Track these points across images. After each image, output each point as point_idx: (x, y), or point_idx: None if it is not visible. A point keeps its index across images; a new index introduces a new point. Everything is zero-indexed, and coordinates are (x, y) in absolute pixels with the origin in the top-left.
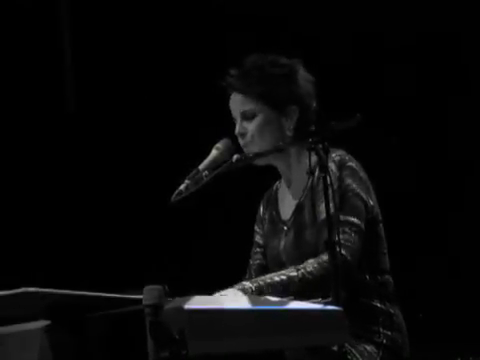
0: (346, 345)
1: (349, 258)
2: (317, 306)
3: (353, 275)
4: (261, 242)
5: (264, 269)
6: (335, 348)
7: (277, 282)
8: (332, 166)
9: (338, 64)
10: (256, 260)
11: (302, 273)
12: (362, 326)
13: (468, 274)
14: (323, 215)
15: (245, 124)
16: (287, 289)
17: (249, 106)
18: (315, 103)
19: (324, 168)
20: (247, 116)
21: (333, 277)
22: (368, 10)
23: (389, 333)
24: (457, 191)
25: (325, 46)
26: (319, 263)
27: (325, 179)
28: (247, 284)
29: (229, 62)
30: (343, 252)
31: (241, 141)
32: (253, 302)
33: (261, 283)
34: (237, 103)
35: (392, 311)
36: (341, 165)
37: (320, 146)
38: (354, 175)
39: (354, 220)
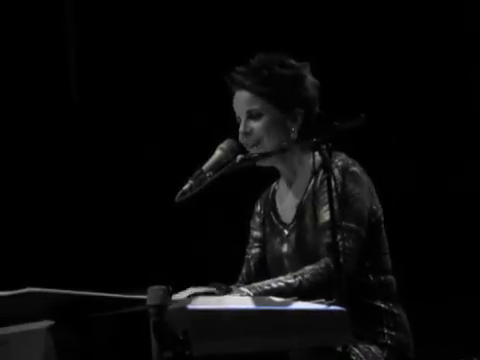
0: (349, 346)
1: (345, 265)
2: (320, 307)
3: (350, 281)
4: (260, 237)
5: (264, 264)
6: (339, 348)
7: (274, 289)
8: (335, 172)
9: (336, 63)
10: (256, 254)
11: (299, 280)
12: (366, 327)
13: (473, 274)
14: (323, 219)
15: (251, 123)
16: (284, 296)
17: (256, 105)
18: (318, 108)
19: (328, 169)
20: (253, 115)
21: (337, 279)
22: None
23: (393, 333)
24: (457, 189)
25: (321, 45)
26: (316, 270)
27: (329, 180)
28: (245, 290)
29: (234, 59)
30: (340, 258)
31: (245, 140)
32: (257, 302)
33: (259, 289)
34: (243, 101)
35: (395, 311)
36: (344, 171)
37: (324, 146)
38: (357, 180)
39: (354, 226)
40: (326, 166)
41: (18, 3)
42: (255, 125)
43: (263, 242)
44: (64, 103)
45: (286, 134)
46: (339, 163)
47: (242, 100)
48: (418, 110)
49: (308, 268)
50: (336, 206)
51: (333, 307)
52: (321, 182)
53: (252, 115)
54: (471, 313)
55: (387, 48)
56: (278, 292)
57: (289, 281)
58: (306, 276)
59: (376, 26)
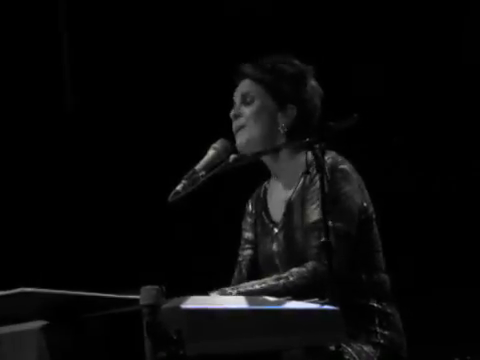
0: (343, 345)
1: (334, 266)
2: (314, 306)
3: (341, 280)
4: (252, 238)
5: (255, 266)
6: (332, 348)
7: (257, 290)
8: (309, 160)
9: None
10: (247, 256)
11: (283, 283)
12: (359, 326)
13: (466, 273)
14: (310, 219)
15: (242, 108)
16: None
17: (251, 90)
18: (318, 115)
19: (321, 168)
20: (246, 100)
21: (328, 279)
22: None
23: (386, 333)
24: (458, 188)
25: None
26: (302, 273)
27: (322, 180)
28: (227, 290)
29: (228, 61)
30: (326, 261)
31: (234, 124)
32: (250, 302)
33: (242, 290)
34: (242, 87)
35: (389, 310)
36: (333, 168)
37: (317, 146)
38: (346, 178)
39: (341, 225)
40: (319, 166)
41: (12, 7)
42: (246, 109)
43: (255, 243)
44: (58, 106)
45: (274, 126)
46: (329, 161)
47: (241, 87)
48: (418, 110)
49: (294, 270)
50: (325, 205)
51: (327, 306)
52: (310, 180)
53: (245, 100)
54: (465, 311)
55: (387, 48)
56: (261, 294)
57: (273, 283)
58: (291, 279)
59: (375, 26)
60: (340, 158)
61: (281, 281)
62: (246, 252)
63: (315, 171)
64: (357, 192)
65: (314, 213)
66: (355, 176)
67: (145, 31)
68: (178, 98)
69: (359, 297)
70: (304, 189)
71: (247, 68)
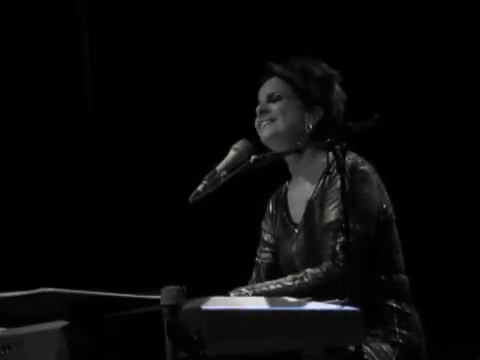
0: (363, 345)
1: (346, 267)
2: (334, 307)
3: (358, 280)
4: (271, 241)
5: (274, 269)
6: (352, 348)
7: (272, 291)
8: (331, 160)
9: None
10: (265, 259)
11: (298, 283)
12: (378, 325)
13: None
14: (327, 219)
15: (269, 104)
16: None
17: (279, 89)
18: (340, 121)
19: (342, 169)
20: (273, 98)
21: (346, 280)
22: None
23: (405, 332)
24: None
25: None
26: (316, 274)
27: (343, 180)
28: (244, 290)
29: (250, 62)
30: (341, 262)
31: (259, 119)
32: (271, 303)
33: (257, 291)
34: (268, 86)
35: (408, 310)
36: (353, 169)
37: (338, 147)
38: (366, 179)
39: (360, 227)
40: (339, 166)
41: (34, 8)
42: (273, 106)
43: (274, 246)
44: (79, 105)
45: (301, 125)
46: (349, 162)
47: (267, 86)
48: (418, 110)
49: (309, 271)
50: (342, 206)
51: (347, 307)
52: (330, 181)
53: (272, 98)
54: None
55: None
56: (276, 294)
57: (288, 284)
58: (305, 280)
59: (374, 27)
60: (360, 159)
61: (296, 282)
62: (264, 255)
63: (335, 171)
64: (376, 193)
65: (331, 214)
66: (375, 177)
67: (166, 30)
68: (200, 98)
69: (378, 297)
70: (324, 189)
71: (276, 67)
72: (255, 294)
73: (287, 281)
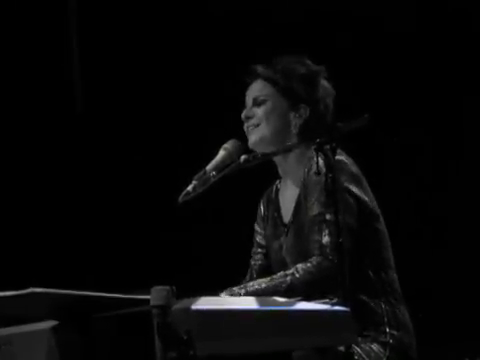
0: (353, 346)
1: (336, 260)
2: (325, 307)
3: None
4: (262, 243)
5: (265, 270)
6: (342, 349)
7: (265, 289)
8: (320, 162)
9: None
10: (257, 261)
11: (290, 279)
12: (367, 325)
13: (476, 272)
14: (311, 212)
15: (254, 109)
16: (275, 295)
17: (263, 92)
18: (330, 115)
19: (331, 169)
20: (258, 102)
21: (340, 277)
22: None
23: (395, 332)
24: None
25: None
26: (307, 269)
27: (333, 180)
28: (235, 290)
29: (240, 62)
30: (330, 255)
31: (246, 124)
32: (261, 303)
33: (249, 289)
34: (253, 89)
35: (398, 310)
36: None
37: (327, 147)
38: (344, 170)
39: (340, 218)
40: (329, 166)
41: (22, 9)
42: (258, 110)
43: (265, 247)
44: (68, 107)
45: (286, 126)
46: (322, 158)
47: (252, 89)
48: (417, 110)
49: (299, 266)
50: (323, 198)
51: (337, 307)
52: (307, 174)
53: (257, 102)
54: (475, 312)
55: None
56: (268, 291)
57: (280, 280)
58: (297, 275)
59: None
60: (338, 150)
61: (288, 278)
62: (257, 256)
63: (310, 165)
64: (355, 185)
65: (313, 208)
66: (354, 169)
67: (154, 32)
68: (188, 98)
69: (367, 295)
70: (305, 186)
71: (258, 68)
72: (247, 293)
73: (278, 277)
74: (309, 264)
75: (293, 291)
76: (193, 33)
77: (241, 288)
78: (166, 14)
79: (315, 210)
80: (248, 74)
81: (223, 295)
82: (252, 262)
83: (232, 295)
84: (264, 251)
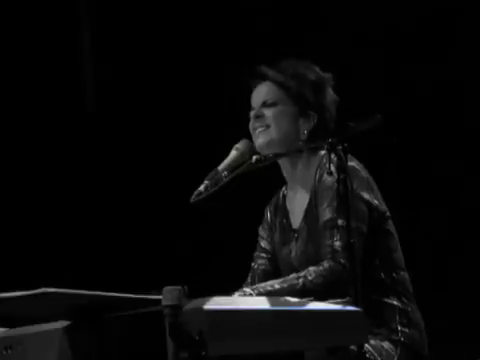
0: (365, 345)
1: (348, 265)
2: (336, 307)
3: (359, 279)
4: (268, 248)
5: (269, 275)
6: (354, 348)
7: (277, 290)
8: (331, 167)
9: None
10: (261, 265)
11: (303, 281)
12: (378, 324)
13: None
14: (322, 217)
15: (264, 110)
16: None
17: (273, 95)
18: (332, 124)
19: (343, 170)
20: (267, 104)
21: (348, 278)
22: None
23: (406, 330)
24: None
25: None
26: (319, 272)
27: (345, 181)
28: (248, 290)
29: (249, 63)
30: (341, 259)
31: (254, 124)
32: (272, 303)
33: (261, 290)
34: (262, 92)
35: (409, 308)
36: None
37: (340, 147)
38: (357, 176)
39: (352, 223)
40: (341, 167)
41: (34, 7)
42: (268, 111)
43: (271, 253)
44: (79, 106)
45: (296, 130)
46: (335, 159)
47: (261, 91)
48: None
49: (312, 269)
50: (335, 204)
51: (349, 307)
52: (319, 180)
53: (266, 104)
54: None
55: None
56: (282, 293)
57: (292, 282)
58: (309, 278)
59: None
60: (348, 155)
61: (300, 280)
62: (260, 261)
63: (322, 170)
64: (365, 190)
65: (325, 213)
66: (364, 173)
67: (167, 30)
68: (200, 98)
69: (379, 295)
70: (315, 191)
71: (269, 72)
72: (259, 294)
73: (291, 279)
74: (321, 267)
75: (305, 293)
76: (209, 32)
77: (253, 289)
78: (178, 14)
79: (327, 215)
80: (255, 75)
81: (235, 295)
82: (254, 265)
83: (244, 295)
84: (269, 256)
